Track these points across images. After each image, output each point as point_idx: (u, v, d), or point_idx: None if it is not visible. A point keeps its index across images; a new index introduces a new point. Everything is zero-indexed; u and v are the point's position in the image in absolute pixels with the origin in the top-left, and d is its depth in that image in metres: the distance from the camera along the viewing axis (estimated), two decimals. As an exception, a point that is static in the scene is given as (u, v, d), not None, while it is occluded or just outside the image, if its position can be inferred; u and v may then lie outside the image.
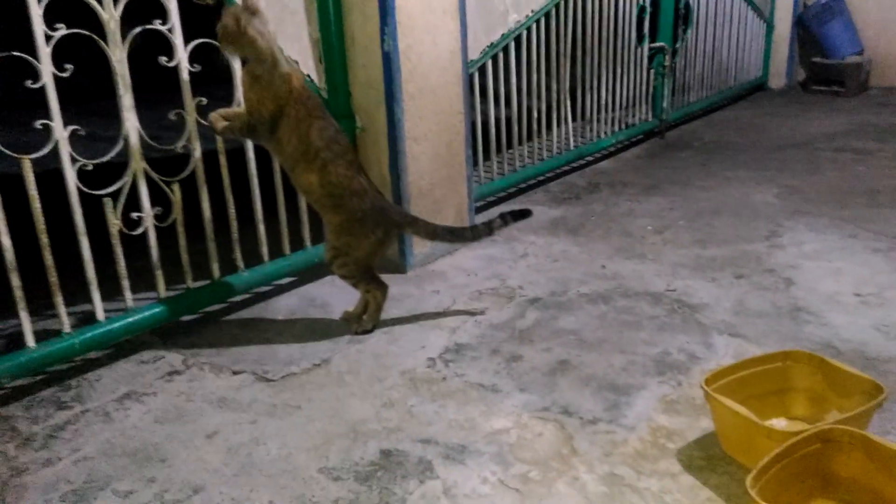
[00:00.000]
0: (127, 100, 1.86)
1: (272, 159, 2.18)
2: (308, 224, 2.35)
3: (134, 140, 1.89)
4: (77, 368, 1.92)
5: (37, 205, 1.74)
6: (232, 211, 2.15)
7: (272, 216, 2.27)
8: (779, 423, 1.52)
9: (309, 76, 2.27)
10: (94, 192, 1.82)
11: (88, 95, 3.53)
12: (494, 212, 3.01)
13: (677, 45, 4.19)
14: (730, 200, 3.02)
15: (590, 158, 3.72)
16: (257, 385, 1.80)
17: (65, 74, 1.72)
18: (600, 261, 2.47)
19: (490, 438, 1.55)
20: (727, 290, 2.19)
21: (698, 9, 4.31)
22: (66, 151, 1.76)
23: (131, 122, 1.87)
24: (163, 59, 1.93)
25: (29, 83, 1.68)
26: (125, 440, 1.61)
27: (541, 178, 3.40)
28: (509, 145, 3.12)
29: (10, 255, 1.71)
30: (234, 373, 1.87)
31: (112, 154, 1.83)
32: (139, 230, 1.95)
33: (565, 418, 1.60)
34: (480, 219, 2.79)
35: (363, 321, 2.06)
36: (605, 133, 3.76)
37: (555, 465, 1.46)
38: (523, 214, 2.12)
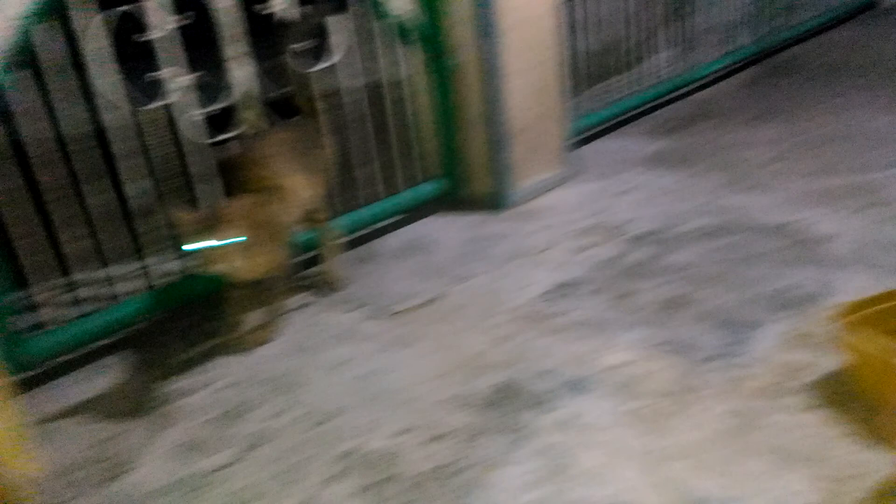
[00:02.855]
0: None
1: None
2: (419, 161, 2.38)
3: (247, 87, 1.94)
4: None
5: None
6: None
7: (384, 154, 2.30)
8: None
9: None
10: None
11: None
12: (593, 147, 2.93)
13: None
14: (846, 127, 2.83)
15: (691, 87, 3.54)
16: (372, 321, 1.86)
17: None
18: (708, 194, 2.38)
19: (608, 372, 1.56)
20: (849, 222, 2.08)
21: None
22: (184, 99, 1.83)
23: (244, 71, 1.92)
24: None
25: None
26: (261, 371, 1.71)
27: (640, 109, 3.27)
28: (606, 77, 3.01)
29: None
30: (350, 309, 1.93)
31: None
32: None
33: (684, 353, 1.59)
34: (578, 153, 2.73)
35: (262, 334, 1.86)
36: (707, 60, 3.56)
37: (677, 398, 1.45)
38: None
